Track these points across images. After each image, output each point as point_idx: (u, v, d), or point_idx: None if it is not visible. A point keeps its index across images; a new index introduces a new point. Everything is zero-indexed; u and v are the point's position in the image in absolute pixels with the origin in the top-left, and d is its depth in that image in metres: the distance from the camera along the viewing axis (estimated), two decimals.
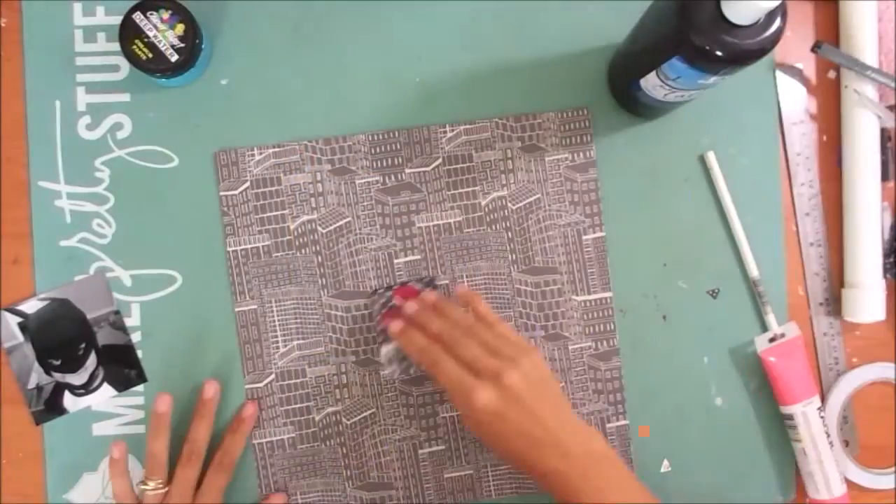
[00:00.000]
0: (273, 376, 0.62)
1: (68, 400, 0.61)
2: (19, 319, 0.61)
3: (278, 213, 0.62)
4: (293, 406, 0.62)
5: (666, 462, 0.64)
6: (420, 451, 0.63)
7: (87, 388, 0.61)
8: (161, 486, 0.57)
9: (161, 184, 0.62)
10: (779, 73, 0.65)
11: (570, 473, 0.51)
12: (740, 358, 0.64)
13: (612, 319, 0.64)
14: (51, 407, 0.61)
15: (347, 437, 0.62)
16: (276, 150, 0.62)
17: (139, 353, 0.61)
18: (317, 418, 0.62)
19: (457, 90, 0.64)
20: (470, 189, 0.63)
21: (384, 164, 0.63)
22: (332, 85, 0.63)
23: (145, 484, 0.57)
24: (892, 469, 0.65)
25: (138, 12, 0.58)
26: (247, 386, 0.62)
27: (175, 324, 0.62)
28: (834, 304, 0.65)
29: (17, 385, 0.61)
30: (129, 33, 0.58)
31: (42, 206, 0.61)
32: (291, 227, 0.62)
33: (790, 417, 0.62)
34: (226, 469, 0.59)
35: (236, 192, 0.62)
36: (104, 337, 0.61)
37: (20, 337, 0.61)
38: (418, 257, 0.63)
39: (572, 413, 0.54)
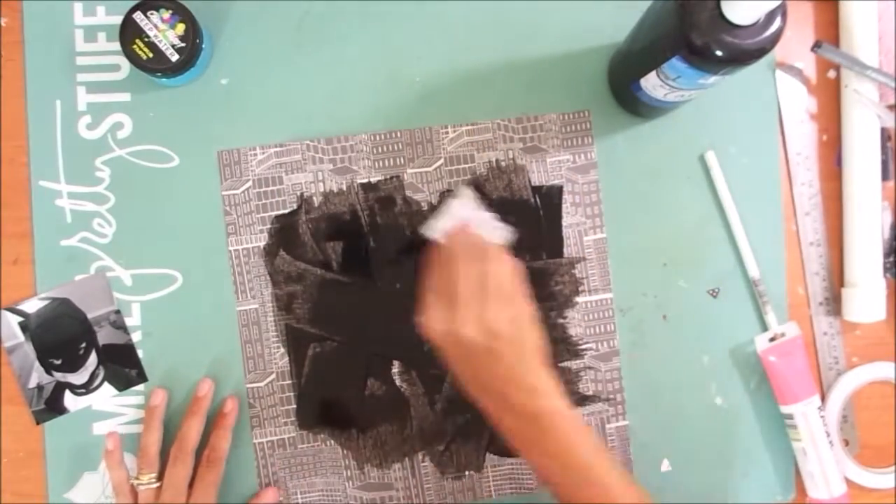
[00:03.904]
0: (274, 376, 0.62)
1: (69, 399, 0.61)
2: (20, 319, 0.61)
3: (280, 212, 0.62)
4: (294, 406, 0.62)
5: (666, 462, 0.64)
6: (420, 451, 0.63)
7: (87, 388, 0.61)
8: (154, 480, 0.57)
9: (161, 183, 0.62)
10: (779, 73, 0.65)
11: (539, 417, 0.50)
12: (740, 357, 0.64)
13: (613, 320, 0.64)
14: (51, 406, 0.61)
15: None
16: (278, 149, 0.62)
17: (140, 353, 0.62)
18: None
19: (457, 90, 0.64)
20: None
21: (386, 164, 0.63)
22: (333, 84, 0.63)
23: (138, 478, 0.57)
24: (892, 468, 0.65)
25: (139, 12, 0.58)
26: (247, 385, 0.62)
27: (176, 323, 0.62)
28: (834, 303, 0.65)
29: (18, 384, 0.61)
30: (129, 33, 0.58)
31: (43, 206, 0.61)
32: None
33: (790, 417, 0.62)
34: (214, 465, 0.58)
35: (238, 191, 0.62)
36: (105, 336, 0.61)
37: (21, 336, 0.61)
38: None
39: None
